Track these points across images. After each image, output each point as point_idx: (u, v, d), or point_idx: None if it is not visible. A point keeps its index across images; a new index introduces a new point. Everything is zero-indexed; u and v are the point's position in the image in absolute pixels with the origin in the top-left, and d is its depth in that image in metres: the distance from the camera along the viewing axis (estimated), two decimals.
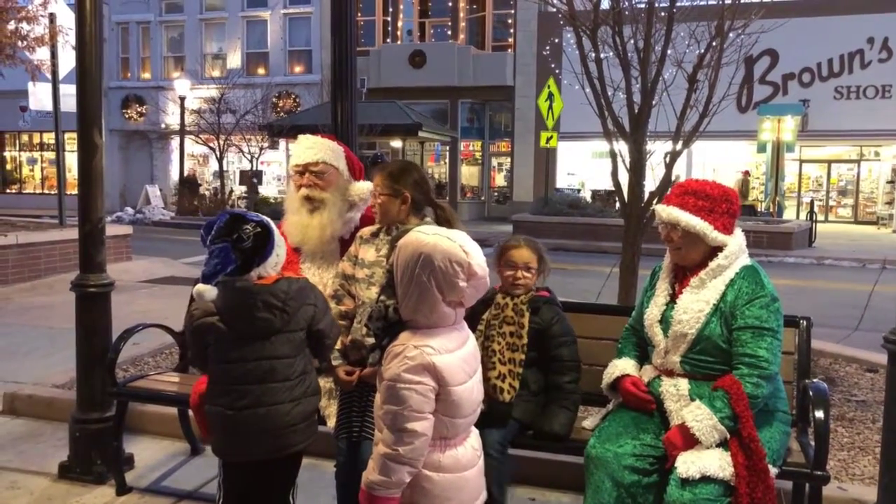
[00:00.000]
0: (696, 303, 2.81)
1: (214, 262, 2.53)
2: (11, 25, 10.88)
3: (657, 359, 2.98)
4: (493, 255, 2.23)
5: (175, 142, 27.72)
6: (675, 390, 2.86)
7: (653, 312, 2.98)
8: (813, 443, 2.93)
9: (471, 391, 2.22)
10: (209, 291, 2.52)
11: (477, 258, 2.15)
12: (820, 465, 2.83)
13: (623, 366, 3.07)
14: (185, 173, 26.13)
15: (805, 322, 3.40)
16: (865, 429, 4.43)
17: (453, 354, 2.17)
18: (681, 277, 2.96)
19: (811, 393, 3.03)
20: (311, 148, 3.39)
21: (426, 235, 2.16)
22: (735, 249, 2.85)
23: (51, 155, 30.31)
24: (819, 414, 2.88)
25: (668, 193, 2.97)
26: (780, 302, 2.81)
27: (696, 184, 2.91)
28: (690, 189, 2.89)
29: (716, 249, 2.85)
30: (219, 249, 2.53)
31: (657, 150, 5.61)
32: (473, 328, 2.42)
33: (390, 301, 2.22)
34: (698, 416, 2.68)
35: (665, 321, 2.92)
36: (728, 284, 2.81)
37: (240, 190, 26.99)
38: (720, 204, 2.84)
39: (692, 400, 2.78)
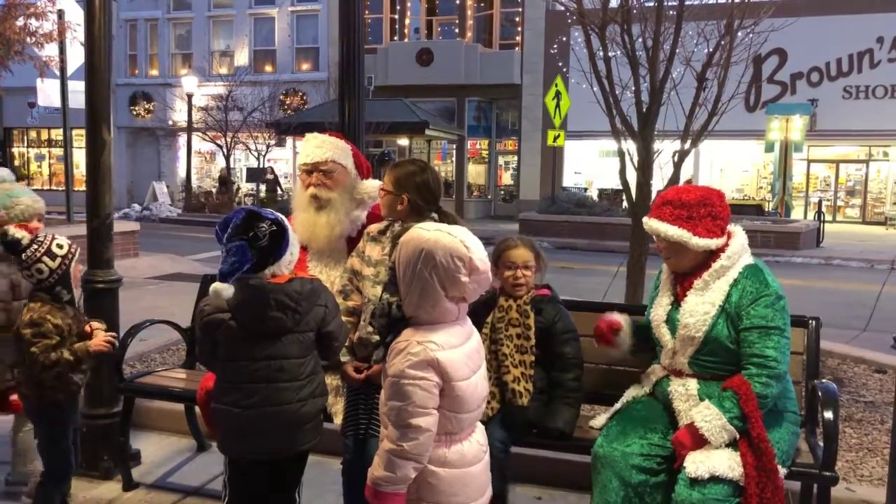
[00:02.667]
0: (702, 305, 2.80)
1: (232, 260, 2.51)
2: (20, 21, 10.91)
3: (665, 359, 2.98)
4: (491, 258, 2.23)
5: (182, 139, 27.79)
6: (683, 390, 2.86)
7: (658, 313, 2.98)
8: (822, 443, 2.93)
9: (475, 386, 2.22)
10: (227, 290, 2.50)
11: (478, 253, 2.15)
12: (829, 466, 2.82)
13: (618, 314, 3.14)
14: (219, 172, 26.18)
15: (814, 322, 3.39)
16: (874, 430, 4.41)
17: (457, 350, 2.17)
18: (681, 279, 2.95)
19: (820, 393, 3.02)
20: (320, 147, 3.39)
21: (427, 232, 2.17)
22: (737, 249, 2.84)
23: (58, 151, 30.43)
24: (828, 414, 2.87)
25: (651, 205, 2.96)
26: (786, 299, 2.80)
27: (673, 193, 2.91)
28: (667, 199, 2.88)
29: (718, 251, 2.83)
30: (236, 247, 2.52)
31: (665, 149, 5.59)
32: (478, 331, 2.42)
33: (393, 298, 2.23)
34: (707, 417, 2.67)
35: (671, 322, 2.91)
36: (732, 285, 2.79)
37: (246, 187, 27.03)
38: (697, 209, 2.82)
39: (701, 400, 2.77)
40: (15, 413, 3.61)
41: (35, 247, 3.07)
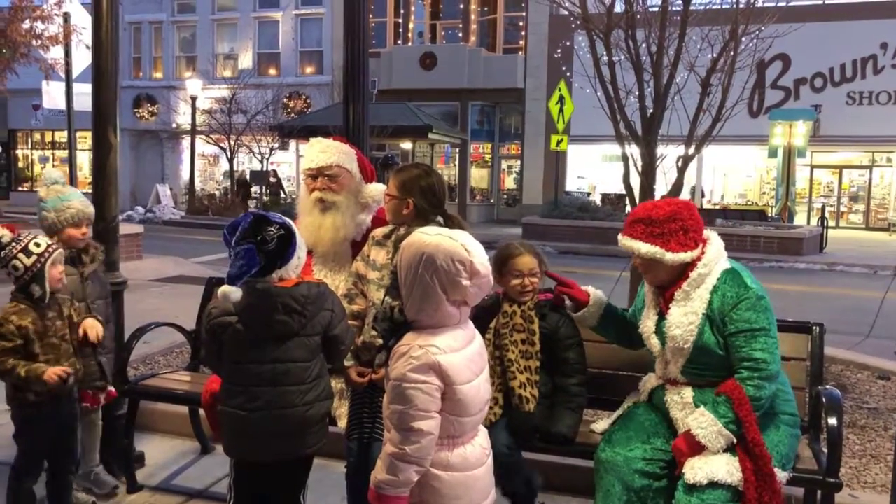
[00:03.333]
0: (686, 316, 2.81)
1: (240, 264, 2.52)
2: (26, 24, 10.97)
3: (659, 369, 3.00)
4: (493, 265, 2.24)
5: (186, 141, 27.85)
6: (679, 399, 2.87)
7: (647, 325, 3.01)
8: (825, 450, 2.92)
9: (477, 390, 2.23)
10: (235, 293, 2.52)
11: (479, 257, 2.16)
12: (833, 472, 2.82)
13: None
14: (239, 175, 26.05)
15: (818, 328, 3.39)
16: (877, 436, 4.41)
17: (459, 353, 2.18)
18: (662, 291, 2.96)
19: (824, 399, 3.02)
20: (324, 151, 3.39)
21: (428, 236, 2.18)
22: (713, 256, 2.85)
23: (63, 153, 30.49)
24: (832, 421, 2.87)
25: (624, 222, 2.98)
26: (768, 298, 2.80)
27: (643, 210, 2.92)
28: (638, 217, 2.90)
29: (695, 260, 2.84)
30: (244, 251, 2.53)
31: (669, 154, 5.60)
32: (482, 336, 2.43)
33: (395, 302, 2.24)
34: (703, 423, 2.69)
35: (660, 333, 2.93)
36: (712, 291, 2.80)
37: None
38: (667, 224, 2.83)
39: (697, 407, 2.78)
40: (90, 408, 3.68)
41: (13, 244, 3.09)
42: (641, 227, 2.86)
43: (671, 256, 2.80)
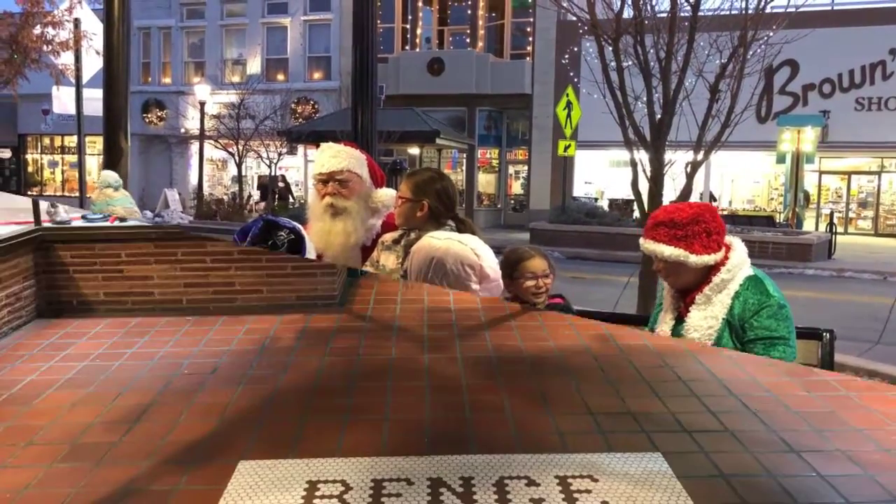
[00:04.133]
0: (706, 320, 2.80)
1: None
2: (37, 30, 11.06)
3: None
4: (503, 269, 2.24)
5: (194, 146, 27.97)
6: None
7: (663, 329, 3.00)
8: None
9: None
10: None
11: (489, 261, 2.17)
12: None
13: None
14: (260, 179, 25.92)
15: (828, 335, 3.37)
16: None
17: None
18: (683, 295, 2.95)
19: None
20: (336, 157, 3.39)
21: (438, 240, 2.19)
22: (737, 262, 2.84)
23: (72, 158, 30.65)
24: None
25: (645, 226, 2.97)
26: (789, 307, 2.80)
27: (664, 213, 2.91)
28: (660, 220, 2.89)
29: (717, 265, 2.84)
30: None
31: (678, 160, 5.60)
32: None
33: None
34: None
35: (676, 336, 2.92)
36: (734, 297, 2.80)
37: (257, 194, 27.15)
38: (691, 227, 2.82)
39: None
40: None
41: None
42: (664, 230, 2.86)
43: (695, 259, 2.80)
